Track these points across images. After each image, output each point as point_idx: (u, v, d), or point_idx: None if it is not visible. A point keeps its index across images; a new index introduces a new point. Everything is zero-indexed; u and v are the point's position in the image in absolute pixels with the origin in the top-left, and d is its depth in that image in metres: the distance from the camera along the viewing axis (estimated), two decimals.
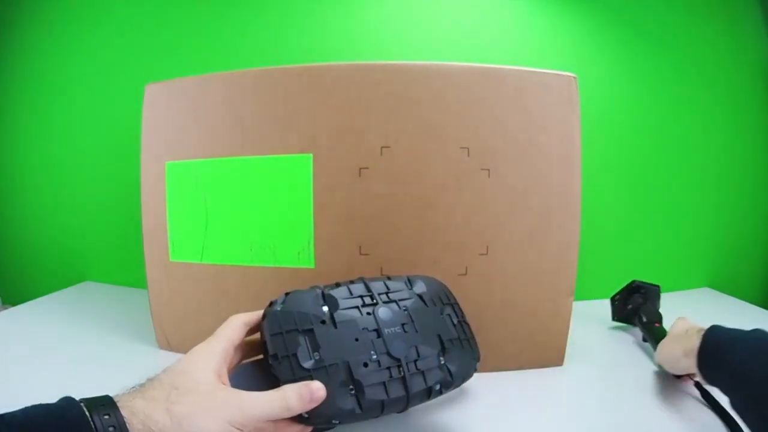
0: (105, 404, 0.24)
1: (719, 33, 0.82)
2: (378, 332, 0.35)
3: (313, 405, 0.29)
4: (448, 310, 0.41)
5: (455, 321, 0.40)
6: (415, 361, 0.35)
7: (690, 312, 0.55)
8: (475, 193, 0.50)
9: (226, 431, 0.26)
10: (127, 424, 0.24)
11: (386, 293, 0.38)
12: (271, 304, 0.36)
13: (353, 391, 0.32)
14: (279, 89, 0.51)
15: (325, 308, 0.35)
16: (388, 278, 0.41)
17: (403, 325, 0.36)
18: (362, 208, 0.50)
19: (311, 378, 0.31)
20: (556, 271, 0.52)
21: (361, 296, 0.37)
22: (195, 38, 0.80)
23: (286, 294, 0.36)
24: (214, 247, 0.54)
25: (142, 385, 0.28)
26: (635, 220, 0.83)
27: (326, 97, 0.50)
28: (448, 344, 0.38)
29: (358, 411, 0.32)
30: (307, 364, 0.32)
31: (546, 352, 0.54)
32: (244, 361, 0.36)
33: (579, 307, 0.53)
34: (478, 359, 0.41)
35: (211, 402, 0.27)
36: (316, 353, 0.32)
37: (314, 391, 0.29)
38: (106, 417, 0.23)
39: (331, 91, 0.50)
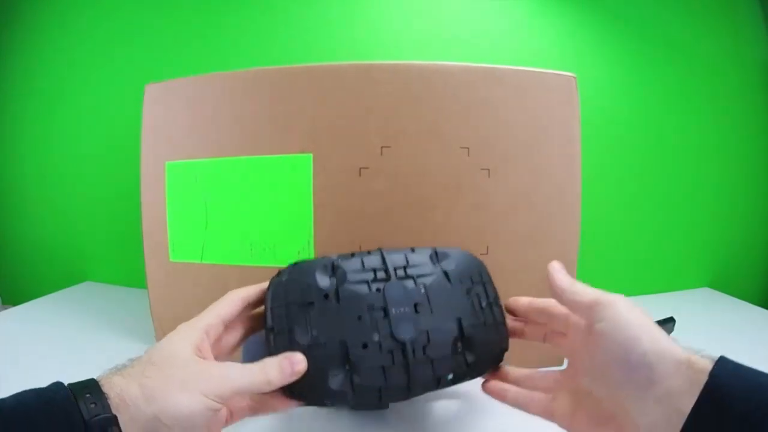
0: (88, 385, 0.25)
1: (719, 33, 0.82)
2: (385, 311, 0.31)
3: (294, 378, 0.28)
4: (477, 289, 0.35)
5: (483, 303, 0.34)
6: (424, 347, 0.30)
7: (690, 312, 0.54)
8: (475, 193, 0.50)
9: (201, 404, 0.25)
10: (107, 398, 0.24)
11: (404, 267, 0.33)
12: (279, 273, 0.34)
13: (349, 373, 0.29)
14: (279, 89, 0.51)
15: (332, 281, 0.32)
16: (412, 250, 0.36)
17: (415, 305, 0.32)
18: (362, 208, 0.50)
19: (306, 354, 0.29)
20: None
21: (374, 270, 0.33)
22: (195, 38, 0.80)
23: (295, 263, 0.34)
24: (214, 247, 0.54)
25: (123, 364, 0.27)
26: (635, 220, 0.83)
27: (326, 97, 0.50)
28: (469, 330, 0.32)
29: (350, 394, 0.29)
30: (303, 340, 0.30)
31: (546, 351, 0.54)
32: (257, 333, 0.34)
33: None
34: (504, 349, 0.35)
35: (184, 374, 0.26)
36: (314, 329, 0.30)
37: (295, 363, 0.28)
38: (88, 396, 0.24)
39: (331, 91, 0.50)
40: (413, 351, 0.30)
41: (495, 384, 0.34)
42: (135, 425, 0.24)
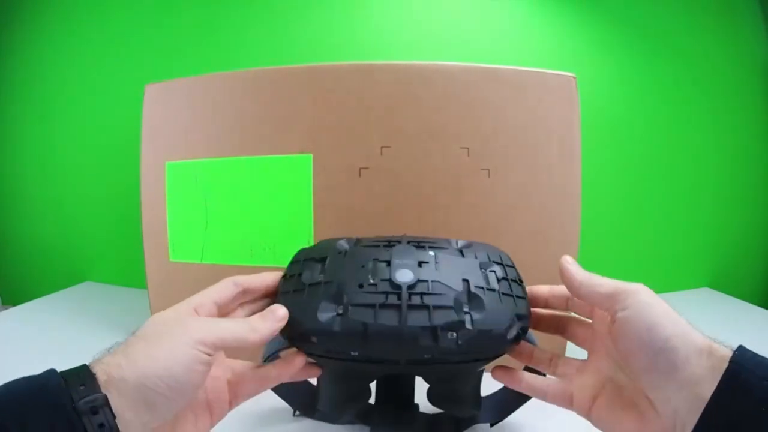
0: (79, 369, 0.24)
1: (719, 33, 0.82)
2: (389, 263, 0.30)
3: (279, 324, 0.28)
4: (494, 267, 0.32)
5: (499, 277, 0.32)
6: (422, 294, 0.29)
7: (690, 312, 0.54)
8: (475, 193, 0.50)
9: (185, 355, 0.24)
10: (96, 379, 0.23)
11: (418, 241, 0.33)
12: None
13: (340, 310, 0.29)
14: (279, 89, 0.51)
15: (350, 246, 0.33)
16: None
17: (420, 261, 0.30)
18: (362, 208, 0.50)
19: (305, 291, 0.30)
20: (556, 271, 0.52)
21: (390, 239, 0.33)
22: (195, 38, 0.80)
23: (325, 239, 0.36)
24: (214, 247, 0.54)
25: (113, 345, 0.27)
26: (635, 220, 0.83)
27: (326, 97, 0.50)
28: (478, 291, 0.30)
29: (337, 329, 0.28)
30: (308, 280, 0.31)
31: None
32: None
33: None
34: (522, 318, 0.31)
35: (165, 331, 0.25)
36: (321, 275, 0.31)
37: (277, 315, 0.29)
38: (77, 378, 0.23)
39: (331, 91, 0.50)
40: (409, 296, 0.29)
41: (505, 370, 0.33)
42: (125, 400, 0.23)
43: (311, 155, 0.50)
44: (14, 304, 0.79)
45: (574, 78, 0.50)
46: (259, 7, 0.79)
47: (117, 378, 0.23)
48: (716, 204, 0.85)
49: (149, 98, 0.56)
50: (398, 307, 0.28)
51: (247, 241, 0.53)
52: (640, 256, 0.84)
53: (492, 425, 0.43)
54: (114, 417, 0.22)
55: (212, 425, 0.29)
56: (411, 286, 0.29)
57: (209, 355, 0.25)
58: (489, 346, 0.30)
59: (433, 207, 0.50)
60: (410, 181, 0.50)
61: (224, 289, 0.31)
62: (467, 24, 0.78)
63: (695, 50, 0.81)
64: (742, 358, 0.23)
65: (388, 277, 0.29)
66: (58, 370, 0.24)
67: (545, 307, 0.34)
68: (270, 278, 0.33)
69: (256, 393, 0.31)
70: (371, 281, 0.29)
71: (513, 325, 0.30)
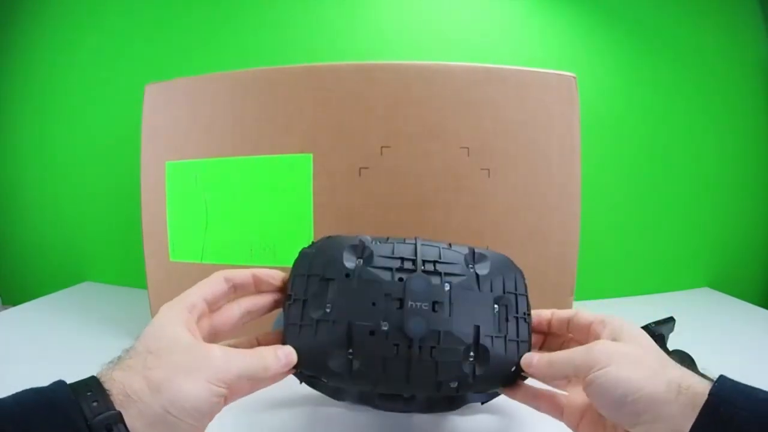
0: (89, 383, 0.24)
1: (719, 33, 0.82)
2: (401, 302, 0.30)
3: (289, 367, 0.29)
4: (507, 300, 0.33)
5: (510, 316, 0.32)
6: (432, 348, 0.29)
7: (690, 312, 0.54)
8: (475, 193, 0.50)
9: (208, 391, 0.25)
10: (109, 395, 0.23)
11: (434, 262, 0.32)
12: (312, 244, 0.34)
13: (351, 356, 0.29)
14: (279, 89, 0.51)
15: (358, 261, 0.31)
16: (449, 246, 0.34)
17: (434, 303, 0.30)
18: (362, 208, 0.50)
19: (314, 328, 0.30)
20: (556, 271, 0.52)
21: (402, 258, 0.31)
22: (195, 38, 0.80)
23: (328, 237, 0.34)
24: (214, 247, 0.54)
25: (119, 358, 0.27)
26: (635, 220, 0.83)
27: (326, 97, 0.50)
28: (486, 341, 0.30)
29: (347, 377, 0.29)
30: (315, 314, 0.30)
31: None
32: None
33: (579, 307, 0.53)
34: (520, 369, 0.31)
35: (188, 362, 0.26)
36: (328, 305, 0.30)
37: (288, 354, 0.29)
38: (90, 394, 0.23)
39: (331, 91, 0.50)
40: (419, 349, 0.29)
41: None
42: (142, 420, 0.23)
43: (311, 155, 0.50)
44: (14, 304, 0.79)
45: (574, 78, 0.50)
46: (260, 7, 0.79)
47: (137, 400, 0.24)
48: (716, 204, 0.85)
49: (149, 98, 0.56)
50: (408, 361, 0.29)
51: (247, 241, 0.53)
52: (640, 255, 0.84)
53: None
54: None
55: (207, 423, 0.29)
56: (422, 338, 0.29)
57: (225, 389, 0.26)
58: (484, 391, 0.33)
59: (433, 207, 0.50)
60: (410, 181, 0.50)
61: (215, 285, 0.31)
62: (467, 24, 0.78)
63: (695, 50, 0.81)
64: (721, 390, 0.23)
65: (399, 324, 0.29)
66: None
67: (548, 329, 0.34)
68: (259, 274, 0.33)
69: (250, 393, 0.31)
70: (383, 328, 0.29)
71: (511, 375, 0.31)
